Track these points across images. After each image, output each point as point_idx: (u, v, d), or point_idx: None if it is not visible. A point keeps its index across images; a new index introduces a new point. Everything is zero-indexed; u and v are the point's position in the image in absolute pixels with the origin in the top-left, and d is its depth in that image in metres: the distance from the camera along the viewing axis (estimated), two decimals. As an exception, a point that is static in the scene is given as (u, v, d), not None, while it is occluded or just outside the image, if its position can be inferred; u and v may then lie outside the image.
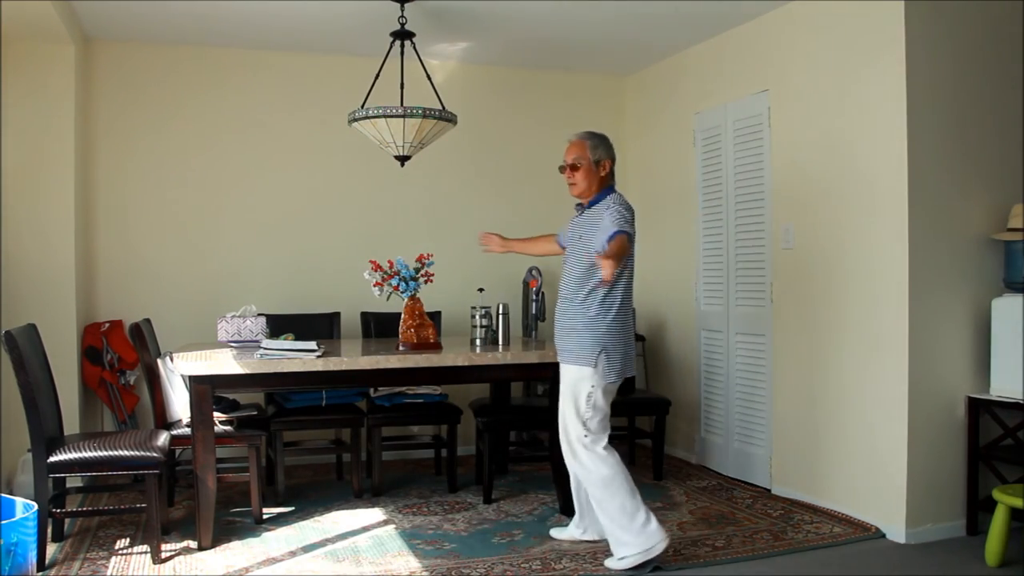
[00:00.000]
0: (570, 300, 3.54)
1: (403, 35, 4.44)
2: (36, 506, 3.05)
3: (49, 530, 3.55)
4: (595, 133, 3.66)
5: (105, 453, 3.46)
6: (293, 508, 4.29)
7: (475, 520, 4.10)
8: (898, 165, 3.80)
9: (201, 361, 3.67)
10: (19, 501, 3.04)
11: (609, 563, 3.44)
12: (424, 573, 3.40)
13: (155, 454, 3.49)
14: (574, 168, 3.59)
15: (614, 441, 5.36)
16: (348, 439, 4.78)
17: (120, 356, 4.89)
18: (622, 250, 3.32)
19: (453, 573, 3.38)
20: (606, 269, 3.17)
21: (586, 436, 3.47)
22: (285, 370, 3.72)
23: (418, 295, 4.21)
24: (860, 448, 4.01)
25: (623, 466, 3.48)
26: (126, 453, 3.47)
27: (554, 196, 5.92)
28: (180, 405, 4.18)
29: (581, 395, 3.48)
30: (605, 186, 3.60)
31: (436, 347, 4.14)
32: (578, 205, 3.70)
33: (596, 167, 3.59)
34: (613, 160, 3.65)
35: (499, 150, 5.78)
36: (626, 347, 3.53)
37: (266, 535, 3.88)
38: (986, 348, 3.88)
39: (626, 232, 3.38)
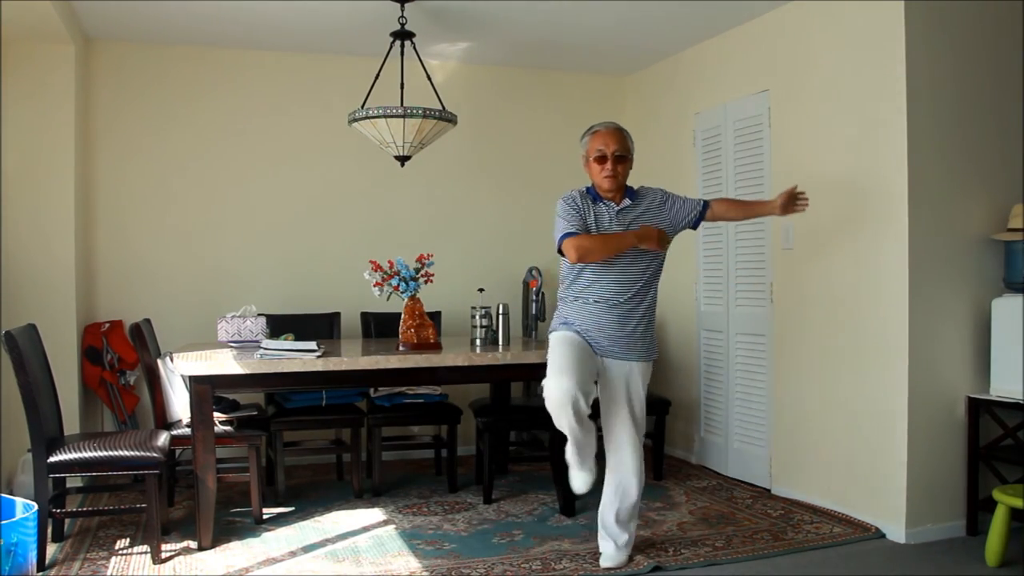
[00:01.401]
0: (641, 297, 3.42)
1: (403, 35, 4.45)
2: (36, 506, 3.06)
3: (49, 530, 3.55)
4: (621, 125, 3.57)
5: (105, 453, 3.46)
6: (293, 508, 4.29)
7: (475, 520, 4.10)
8: (898, 165, 3.80)
9: (201, 361, 3.67)
10: (19, 501, 3.04)
11: (618, 561, 3.45)
12: (424, 573, 3.40)
13: (155, 454, 3.49)
14: (621, 160, 3.42)
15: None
16: (348, 439, 4.78)
17: (120, 356, 4.89)
18: None
19: (453, 573, 3.38)
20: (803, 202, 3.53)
21: (644, 432, 3.54)
22: (285, 370, 3.72)
23: (418, 295, 4.21)
24: (860, 448, 4.00)
25: None
26: (126, 453, 3.47)
27: (554, 196, 5.92)
28: (180, 405, 4.18)
29: (647, 388, 3.51)
30: None
31: (436, 347, 4.14)
32: (593, 197, 3.44)
33: (632, 161, 3.51)
34: None
35: (499, 150, 5.78)
36: None
37: (266, 535, 3.88)
38: (986, 348, 3.88)
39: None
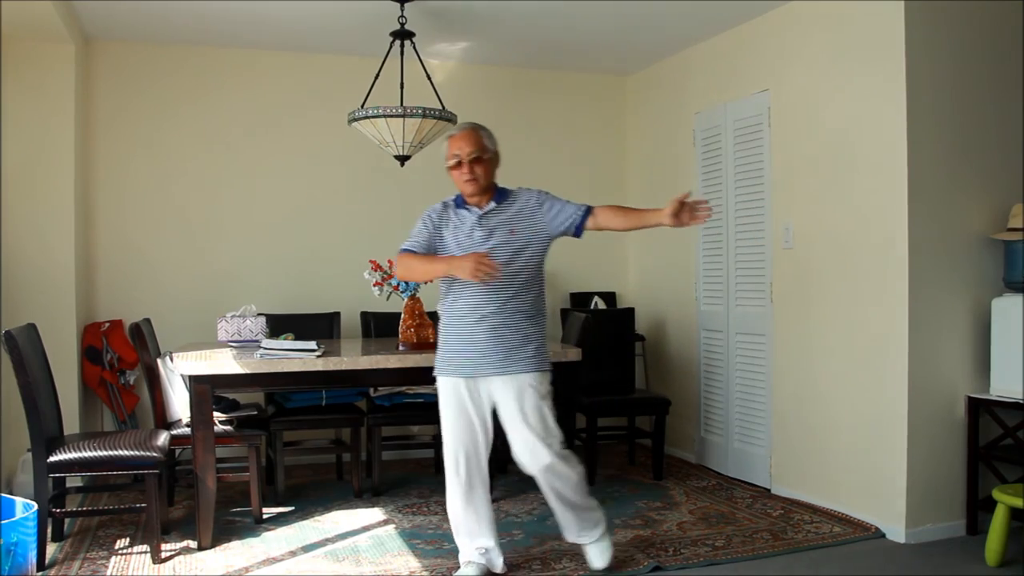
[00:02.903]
0: (514, 307, 3.18)
1: (403, 35, 4.45)
2: (36, 506, 3.06)
3: (49, 530, 3.55)
4: (478, 123, 3.31)
5: (105, 453, 3.46)
6: (293, 508, 4.29)
7: (475, 520, 4.09)
8: (898, 165, 3.80)
9: (201, 361, 3.67)
10: (19, 501, 3.04)
11: (606, 556, 3.39)
12: (424, 573, 3.40)
13: (155, 454, 3.49)
14: (476, 161, 3.17)
15: (613, 440, 5.43)
16: (348, 439, 4.78)
17: (120, 356, 4.89)
18: None
19: (453, 573, 3.37)
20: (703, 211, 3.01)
21: (562, 441, 3.25)
22: (285, 370, 3.72)
23: (418, 295, 4.21)
24: (860, 448, 4.00)
25: None
26: (126, 453, 3.47)
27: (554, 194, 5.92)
28: (180, 405, 4.18)
29: (547, 400, 3.22)
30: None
31: (436, 347, 4.12)
32: (457, 203, 3.29)
33: (495, 159, 3.25)
34: None
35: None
36: None
37: (266, 535, 3.88)
38: (986, 348, 3.88)
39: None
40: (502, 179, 5.76)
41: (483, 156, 3.20)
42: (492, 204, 3.25)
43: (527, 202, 3.26)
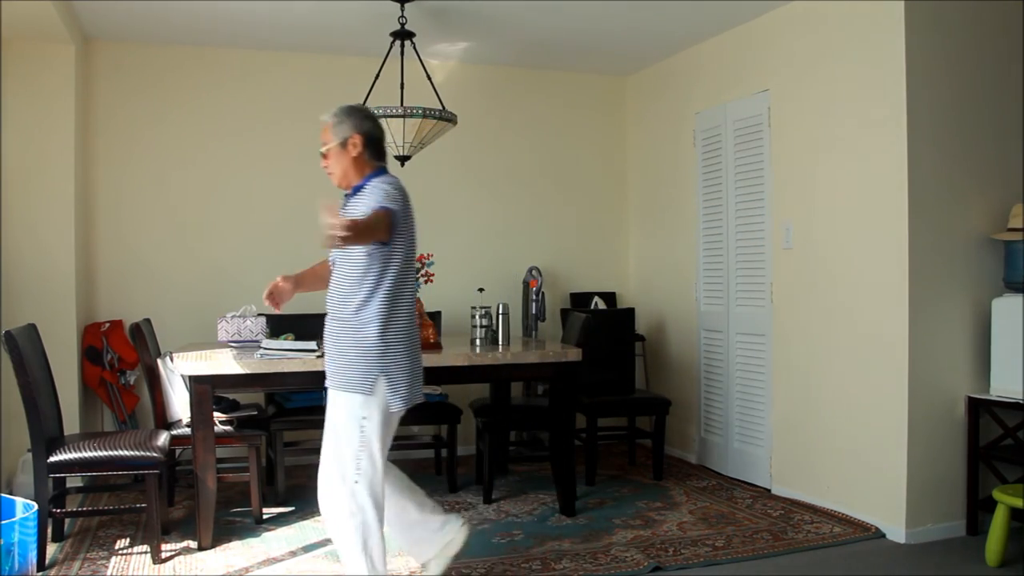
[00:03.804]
0: (340, 313, 2.89)
1: (403, 35, 4.45)
2: (36, 506, 3.06)
3: (49, 530, 3.55)
4: (344, 107, 3.04)
5: (105, 453, 3.46)
6: (293, 508, 4.29)
7: (475, 520, 4.09)
8: (898, 165, 3.80)
9: (201, 361, 3.67)
10: (19, 501, 3.05)
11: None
12: (424, 573, 3.39)
13: (155, 454, 3.49)
14: (324, 154, 2.98)
15: (613, 440, 5.43)
16: (348, 439, 4.77)
17: (120, 356, 4.89)
18: (376, 224, 2.71)
19: (453, 573, 3.37)
20: (340, 233, 2.48)
21: (356, 478, 2.83)
22: (285, 370, 3.72)
23: (418, 295, 4.21)
24: (860, 448, 4.01)
25: (381, 524, 2.91)
26: (126, 453, 3.47)
27: (554, 194, 5.94)
28: (180, 405, 4.18)
29: (352, 427, 2.84)
30: (370, 168, 2.97)
31: (436, 347, 4.14)
32: (346, 196, 3.06)
33: (344, 147, 2.93)
34: (367, 134, 2.96)
35: (499, 150, 5.78)
36: (412, 364, 2.92)
37: (266, 535, 3.88)
38: (986, 348, 3.88)
39: (388, 208, 2.78)
40: (502, 178, 5.77)
41: (327, 149, 2.97)
42: (346, 196, 3.00)
43: (362, 197, 2.91)
